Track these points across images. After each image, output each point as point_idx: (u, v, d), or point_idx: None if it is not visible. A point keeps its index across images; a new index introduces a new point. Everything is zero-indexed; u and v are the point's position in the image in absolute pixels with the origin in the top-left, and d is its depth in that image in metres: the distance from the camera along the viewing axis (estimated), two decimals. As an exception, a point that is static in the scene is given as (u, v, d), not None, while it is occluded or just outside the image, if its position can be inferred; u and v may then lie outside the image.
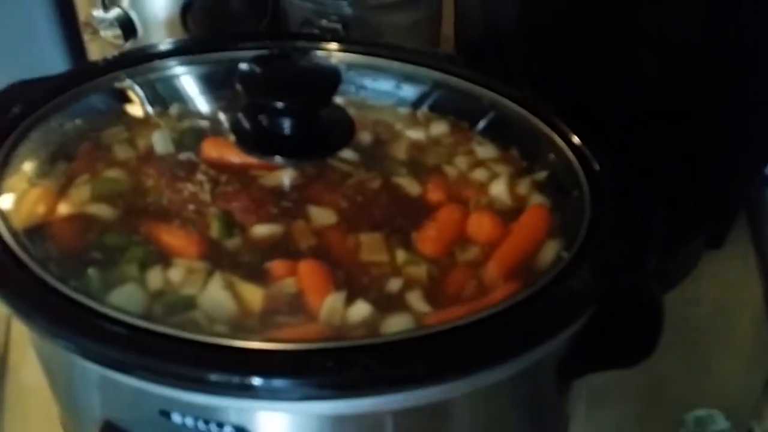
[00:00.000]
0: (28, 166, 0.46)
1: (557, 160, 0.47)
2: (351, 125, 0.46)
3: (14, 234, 0.40)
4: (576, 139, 0.47)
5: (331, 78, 0.44)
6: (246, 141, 0.44)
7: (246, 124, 0.45)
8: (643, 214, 0.42)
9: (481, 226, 0.44)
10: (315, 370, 0.33)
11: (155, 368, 0.34)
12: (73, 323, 0.35)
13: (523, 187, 0.47)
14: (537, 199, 0.47)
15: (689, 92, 0.52)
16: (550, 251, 0.43)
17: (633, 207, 0.43)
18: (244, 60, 0.46)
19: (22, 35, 0.70)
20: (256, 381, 0.33)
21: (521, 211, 0.46)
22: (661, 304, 0.41)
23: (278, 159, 0.44)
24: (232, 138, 0.45)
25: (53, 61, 0.71)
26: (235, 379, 0.33)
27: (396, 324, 0.38)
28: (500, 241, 0.44)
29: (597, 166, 0.45)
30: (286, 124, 0.44)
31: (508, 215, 0.45)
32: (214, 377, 0.33)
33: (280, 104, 0.42)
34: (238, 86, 0.43)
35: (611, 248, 0.40)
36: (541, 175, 0.48)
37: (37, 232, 0.42)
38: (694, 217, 0.61)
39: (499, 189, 0.47)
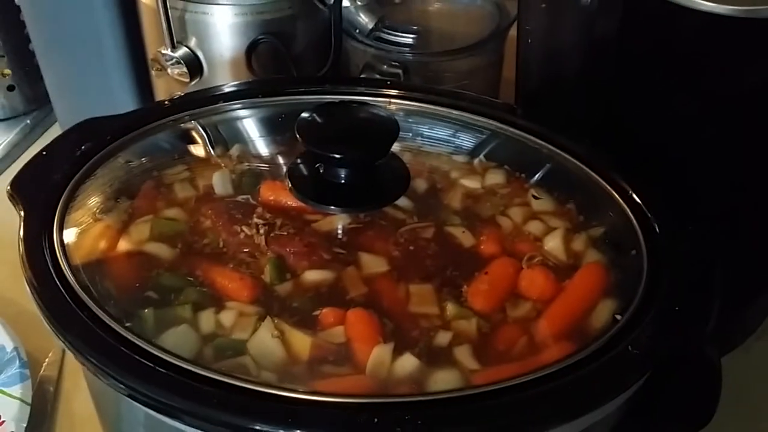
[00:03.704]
0: (93, 202, 0.47)
1: (615, 217, 0.46)
2: (406, 176, 0.46)
3: (74, 269, 0.41)
4: (636, 197, 0.46)
5: (389, 130, 0.44)
6: (302, 189, 0.45)
7: (302, 171, 0.45)
8: (704, 275, 0.41)
9: (534, 281, 0.44)
10: (361, 427, 0.33)
11: (200, 414, 0.34)
12: (123, 364, 0.35)
13: (579, 242, 0.47)
14: (593, 256, 0.46)
15: (754, 152, 0.51)
16: (604, 311, 0.42)
17: (693, 269, 0.41)
18: (304, 105, 0.47)
19: (93, 71, 0.72)
20: (301, 434, 0.33)
21: (576, 267, 0.45)
22: (718, 368, 0.40)
23: (333, 209, 0.45)
24: (288, 184, 0.45)
25: (122, 97, 0.73)
26: (280, 431, 0.33)
27: (443, 380, 0.38)
28: (553, 298, 0.43)
29: (656, 226, 0.44)
30: (342, 174, 0.44)
31: (563, 271, 0.45)
32: (258, 427, 0.33)
33: (337, 156, 0.43)
34: (297, 135, 0.43)
35: (669, 312, 0.39)
36: (598, 231, 0.47)
37: (97, 267, 0.44)
38: (757, 275, 0.60)
39: (554, 243, 0.46)
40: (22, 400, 0.56)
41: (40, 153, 0.49)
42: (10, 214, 0.45)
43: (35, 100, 0.87)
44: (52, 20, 0.72)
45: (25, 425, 0.54)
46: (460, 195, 0.50)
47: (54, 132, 0.86)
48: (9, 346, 0.59)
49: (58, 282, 0.40)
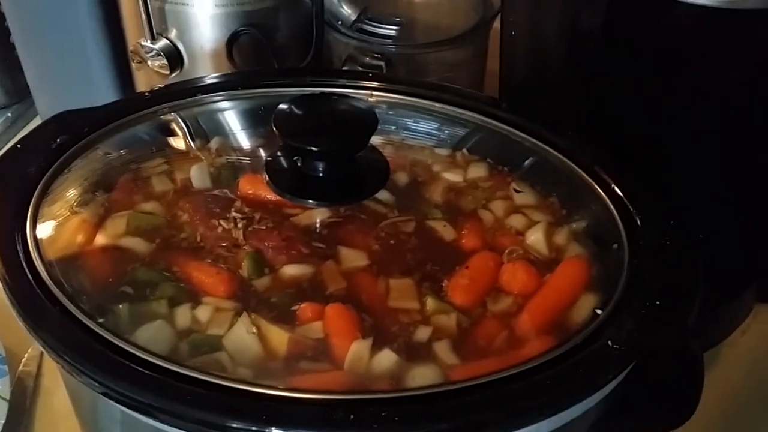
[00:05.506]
0: (69, 195, 0.47)
1: (597, 211, 0.46)
2: (386, 169, 0.45)
3: (48, 264, 0.40)
4: (618, 191, 0.45)
5: (367, 122, 0.43)
6: (279, 182, 0.44)
7: (281, 165, 0.45)
8: (686, 269, 0.41)
9: (515, 276, 0.43)
10: (337, 424, 0.32)
11: (175, 412, 0.33)
12: (97, 361, 0.35)
13: (561, 236, 0.46)
14: (575, 250, 0.45)
15: (737, 147, 0.50)
16: (586, 305, 0.41)
17: (674, 262, 0.41)
18: (284, 97, 0.46)
19: (74, 63, 0.71)
20: (276, 431, 0.32)
21: (558, 261, 0.45)
22: (701, 362, 0.40)
23: (311, 202, 0.44)
24: (265, 177, 0.45)
25: (103, 89, 0.72)
26: (255, 428, 0.32)
27: (422, 375, 0.38)
28: (535, 292, 0.43)
29: (638, 219, 0.44)
30: (321, 168, 0.43)
31: (544, 265, 0.44)
32: (234, 425, 0.32)
33: (314, 148, 0.42)
34: (274, 128, 0.43)
35: (650, 306, 0.39)
36: (581, 225, 0.47)
37: (72, 261, 0.43)
38: (743, 267, 0.60)
39: (536, 237, 0.46)
40: (0, 397, 0.55)
41: (15, 146, 0.48)
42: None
43: (16, 93, 0.86)
44: (32, 12, 0.71)
45: (3, 422, 0.54)
46: (442, 188, 0.50)
47: (35, 125, 0.85)
48: (-14, 342, 0.59)
49: (30, 277, 0.39)
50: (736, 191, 0.53)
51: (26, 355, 0.60)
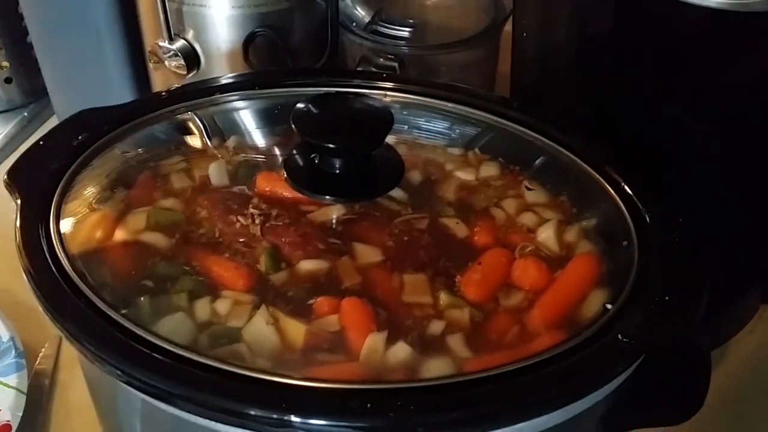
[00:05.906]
0: (89, 192, 0.48)
1: (607, 209, 0.47)
2: (401, 166, 0.46)
3: (71, 258, 0.41)
4: (627, 189, 0.46)
5: (383, 121, 0.44)
6: (297, 179, 0.45)
7: (298, 162, 0.46)
8: (694, 266, 0.42)
9: (526, 272, 0.44)
10: (354, 412, 0.33)
11: (195, 400, 0.34)
12: (120, 351, 0.36)
13: (572, 234, 0.47)
14: (585, 247, 0.46)
15: (737, 147, 0.51)
16: (596, 301, 0.42)
17: (683, 259, 0.42)
18: (300, 97, 0.47)
19: (91, 63, 0.73)
20: (295, 419, 0.33)
21: (568, 258, 0.46)
22: (708, 358, 0.41)
23: (328, 198, 0.45)
24: (284, 174, 0.46)
25: (119, 89, 0.73)
26: (274, 416, 0.33)
27: (435, 367, 0.38)
28: (545, 288, 0.43)
29: (647, 217, 0.44)
30: (338, 165, 0.44)
31: (555, 262, 0.45)
32: (253, 412, 0.33)
33: (332, 146, 0.43)
34: (293, 125, 0.44)
35: (659, 302, 0.40)
36: (591, 222, 0.47)
37: (94, 256, 0.44)
38: (743, 268, 0.60)
39: (546, 235, 0.47)
40: (18, 390, 0.56)
41: (37, 142, 0.49)
42: (5, 207, 0.45)
43: (33, 93, 0.87)
44: (50, 12, 0.72)
45: (20, 414, 0.55)
46: (455, 187, 0.50)
47: (51, 124, 0.86)
48: (5, 336, 0.60)
49: (54, 270, 0.40)
50: (736, 191, 0.53)
51: (42, 351, 0.62)
